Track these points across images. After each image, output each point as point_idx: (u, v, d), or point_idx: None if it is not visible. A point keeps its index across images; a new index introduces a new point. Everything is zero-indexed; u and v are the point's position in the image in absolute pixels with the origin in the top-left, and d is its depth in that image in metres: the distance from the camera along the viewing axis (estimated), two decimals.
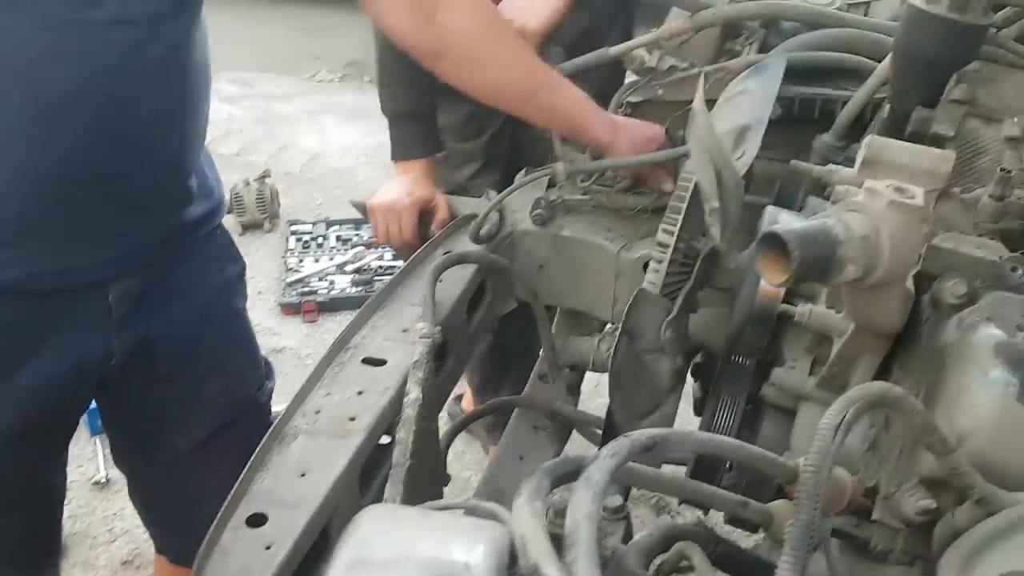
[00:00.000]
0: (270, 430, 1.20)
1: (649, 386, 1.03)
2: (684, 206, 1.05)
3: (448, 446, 1.57)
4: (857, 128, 1.35)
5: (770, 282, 0.74)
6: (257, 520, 1.08)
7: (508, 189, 1.54)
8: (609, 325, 1.67)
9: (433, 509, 0.72)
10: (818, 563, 0.93)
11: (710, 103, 1.51)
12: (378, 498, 1.22)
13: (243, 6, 6.07)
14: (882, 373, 0.95)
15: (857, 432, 0.99)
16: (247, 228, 3.96)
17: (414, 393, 1.22)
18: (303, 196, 4.36)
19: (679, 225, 1.04)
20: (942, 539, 0.73)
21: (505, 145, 2.13)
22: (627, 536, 0.85)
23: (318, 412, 1.25)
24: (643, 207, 1.60)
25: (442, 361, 1.48)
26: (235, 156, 4.73)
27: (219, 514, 1.07)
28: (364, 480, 1.23)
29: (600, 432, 1.61)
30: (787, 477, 0.87)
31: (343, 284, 3.51)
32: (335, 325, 3.35)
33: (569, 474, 0.62)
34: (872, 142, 1.00)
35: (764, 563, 0.90)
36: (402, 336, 1.39)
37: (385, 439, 1.28)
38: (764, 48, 1.46)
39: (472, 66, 1.34)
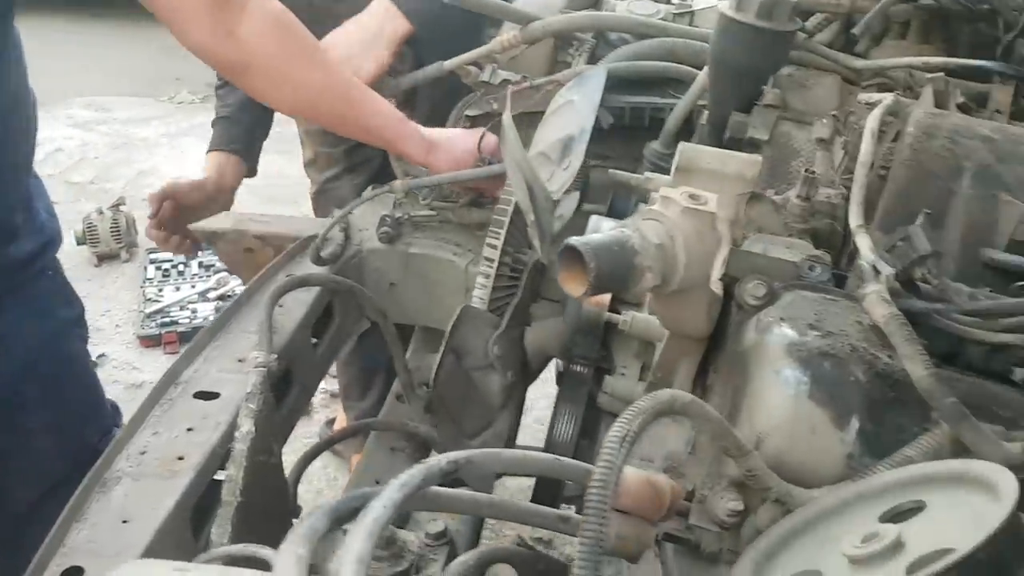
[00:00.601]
0: (88, 476, 1.13)
1: (479, 404, 1.01)
2: (506, 220, 1.04)
3: (299, 476, 1.52)
4: (684, 135, 1.37)
5: (570, 293, 0.73)
6: (73, 574, 1.01)
7: (347, 207, 1.51)
8: None
9: (203, 561, 0.68)
10: (656, 567, 0.94)
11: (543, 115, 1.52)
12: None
13: (97, 28, 5.83)
14: (702, 376, 0.96)
15: (682, 436, 0.99)
16: (103, 259, 3.78)
17: (246, 426, 1.16)
18: None
19: (502, 239, 1.03)
20: (748, 540, 0.74)
21: (372, 151, 2.11)
22: (451, 560, 0.82)
23: (143, 453, 1.18)
24: (487, 221, 1.60)
25: (287, 389, 1.43)
26: (90, 184, 4.53)
27: (29, 570, 1.00)
28: (200, 521, 1.17)
29: None
30: None
31: (206, 312, 3.38)
32: None
33: (355, 511, 0.59)
34: (684, 150, 1.01)
35: None
36: (238, 367, 1.33)
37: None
38: (593, 59, 1.47)
39: (273, 83, 1.31)
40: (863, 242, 0.83)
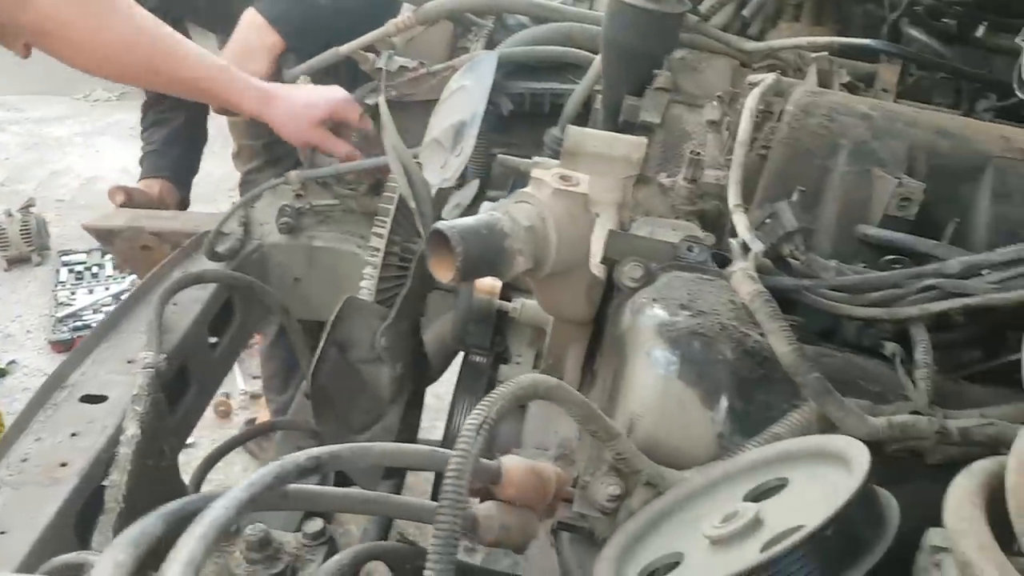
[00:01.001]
0: None
1: (368, 398, 0.98)
2: (392, 208, 1.01)
3: (202, 478, 1.47)
4: (583, 120, 1.36)
5: (440, 279, 0.71)
6: None
7: (240, 201, 1.47)
8: None
9: (41, 571, 0.65)
10: (552, 557, 0.92)
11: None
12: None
13: None
14: (590, 361, 0.95)
15: (571, 424, 0.98)
16: (13, 263, 3.65)
17: (131, 430, 1.12)
18: (77, 224, 4.05)
19: (388, 228, 1.00)
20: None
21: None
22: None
23: (24, 460, 1.13)
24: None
25: (183, 390, 1.39)
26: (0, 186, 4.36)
27: None
28: (86, 529, 1.12)
29: None
30: (490, 477, 0.84)
31: None
32: None
33: (194, 513, 0.56)
34: (570, 133, 1.00)
35: (477, 570, 0.87)
36: (127, 368, 1.28)
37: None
38: (491, 44, 1.45)
39: (72, 46, 1.27)
40: (739, 221, 0.83)
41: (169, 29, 1.34)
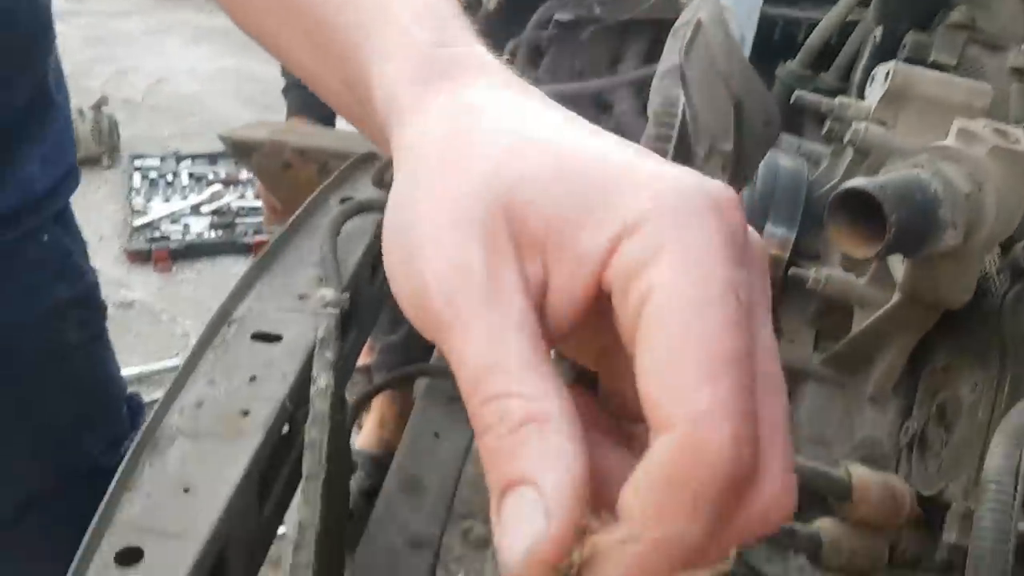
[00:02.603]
0: (139, 433, 0.94)
1: None
2: (671, 145, 0.84)
3: (350, 432, 1.34)
4: (824, 55, 1.18)
5: (855, 255, 0.56)
6: (130, 557, 0.83)
7: None
8: None
9: None
10: None
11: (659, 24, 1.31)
12: (277, 513, 0.99)
13: None
14: (919, 353, 0.79)
15: (882, 420, 0.83)
16: (82, 164, 3.49)
17: (323, 380, 0.98)
18: (147, 127, 3.91)
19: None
20: None
21: None
22: None
23: (199, 406, 1.00)
24: None
25: (346, 331, 1.25)
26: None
27: (79, 553, 0.82)
28: (265, 487, 0.99)
29: None
30: (838, 493, 0.70)
31: (199, 228, 3.15)
32: (192, 275, 3.00)
33: None
34: (898, 71, 0.83)
35: None
36: (299, 304, 1.14)
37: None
38: None
39: None
40: None
41: None
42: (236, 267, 3.08)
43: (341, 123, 1.89)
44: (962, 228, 0.59)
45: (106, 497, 0.86)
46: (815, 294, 0.84)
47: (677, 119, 0.87)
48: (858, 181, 0.56)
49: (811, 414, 0.88)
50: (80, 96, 4.03)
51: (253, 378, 1.02)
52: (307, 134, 1.50)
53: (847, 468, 0.68)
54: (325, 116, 1.73)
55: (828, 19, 1.16)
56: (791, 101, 0.87)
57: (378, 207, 1.28)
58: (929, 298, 0.69)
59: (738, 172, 0.77)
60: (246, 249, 3.02)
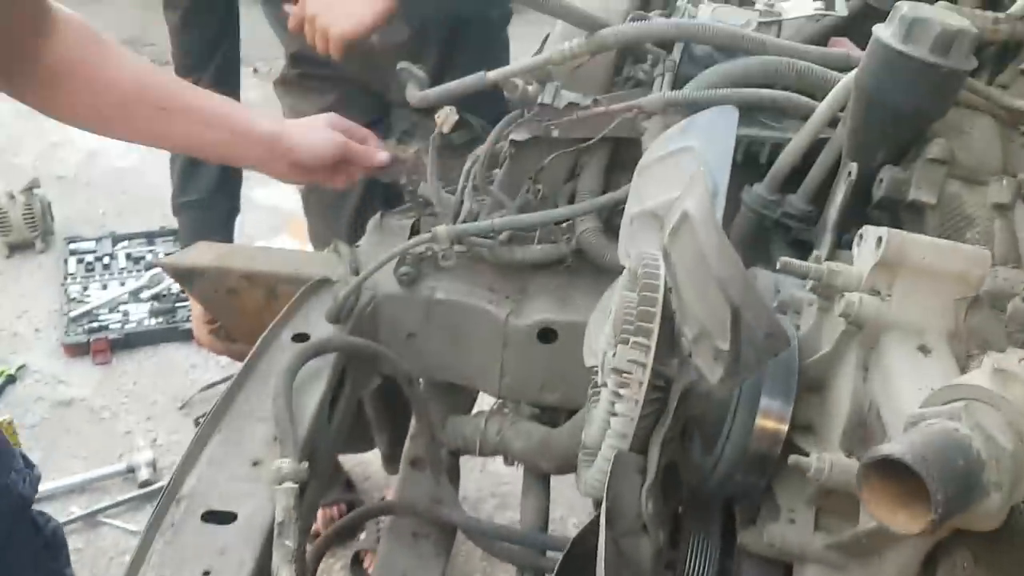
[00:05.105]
0: None
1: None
2: (658, 314, 0.78)
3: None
4: (796, 178, 1.14)
5: (896, 530, 0.50)
6: None
7: (373, 267, 1.24)
8: (495, 401, 1.41)
9: None
10: None
11: (621, 142, 1.27)
12: None
13: None
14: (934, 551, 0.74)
15: None
16: (15, 249, 3.36)
17: (284, 573, 0.90)
18: (82, 205, 3.76)
19: (655, 344, 0.77)
20: None
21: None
22: None
23: None
24: (534, 260, 1.35)
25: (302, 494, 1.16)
26: None
27: None
28: None
29: (499, 544, 1.35)
30: None
31: (139, 315, 3.01)
32: (133, 366, 2.86)
33: None
34: (891, 238, 0.79)
35: None
36: (253, 472, 1.05)
37: None
38: (678, 79, 1.22)
39: (87, 84, 1.27)
40: None
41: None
42: (178, 355, 2.95)
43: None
44: (1008, 490, 0.53)
45: None
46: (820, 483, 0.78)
47: (660, 292, 0.82)
48: (894, 448, 0.50)
49: None
50: (10, 174, 3.88)
51: (207, 573, 0.93)
52: (253, 257, 1.41)
53: None
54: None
55: (795, 143, 1.12)
56: (776, 268, 0.82)
57: (334, 347, 1.20)
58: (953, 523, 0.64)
59: (736, 371, 0.71)
60: (188, 336, 2.89)
